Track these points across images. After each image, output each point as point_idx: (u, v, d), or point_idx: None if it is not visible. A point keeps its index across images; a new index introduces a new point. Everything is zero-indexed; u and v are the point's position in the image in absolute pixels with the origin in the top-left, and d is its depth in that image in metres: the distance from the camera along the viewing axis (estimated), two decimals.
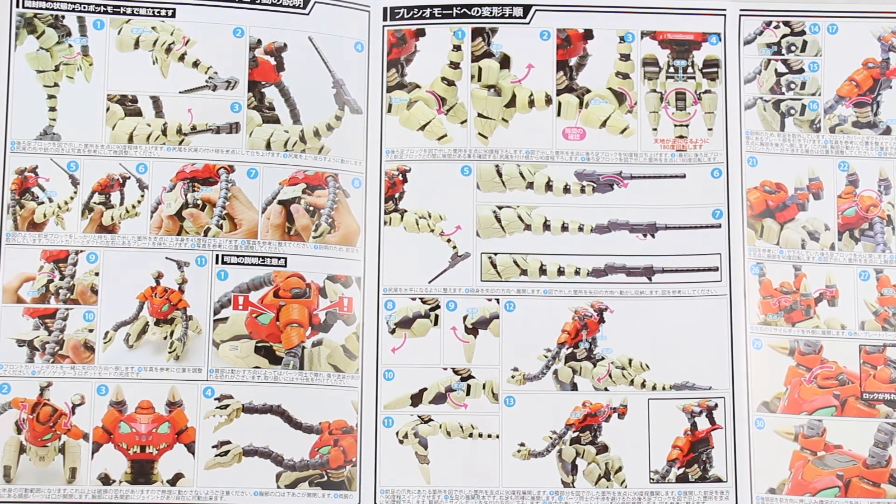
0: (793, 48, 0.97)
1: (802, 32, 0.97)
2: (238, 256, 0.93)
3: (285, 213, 0.94)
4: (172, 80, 0.94)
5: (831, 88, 0.96)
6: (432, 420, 0.92)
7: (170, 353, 0.91)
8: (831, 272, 0.95)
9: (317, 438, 0.91)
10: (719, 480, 0.92)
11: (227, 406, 0.91)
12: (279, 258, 0.93)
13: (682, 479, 0.92)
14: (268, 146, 0.94)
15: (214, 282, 0.92)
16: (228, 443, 0.91)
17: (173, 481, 0.90)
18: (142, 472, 0.90)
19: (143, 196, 0.93)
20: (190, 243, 0.93)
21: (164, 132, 0.94)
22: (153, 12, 0.95)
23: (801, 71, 0.97)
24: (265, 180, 0.94)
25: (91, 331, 0.91)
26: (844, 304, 0.94)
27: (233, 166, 0.94)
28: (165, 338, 0.91)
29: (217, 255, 0.93)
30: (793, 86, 0.96)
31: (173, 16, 0.95)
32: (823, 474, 0.92)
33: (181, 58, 0.94)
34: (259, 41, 0.95)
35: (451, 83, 0.96)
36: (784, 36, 0.97)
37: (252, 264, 0.93)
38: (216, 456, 0.90)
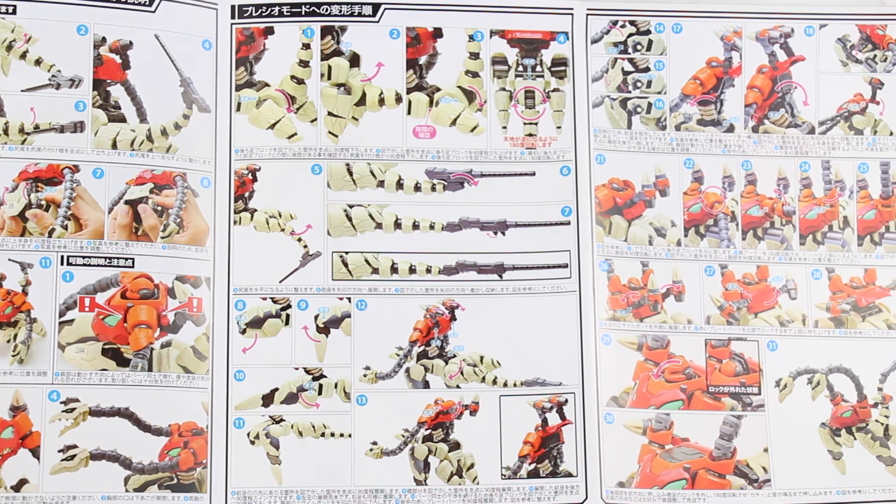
0: (639, 47, 0.98)
1: (648, 31, 0.98)
2: (84, 257, 0.91)
3: (132, 213, 0.92)
4: (14, 79, 0.92)
5: (676, 87, 0.98)
6: (284, 420, 0.92)
7: (13, 356, 0.89)
8: (678, 268, 0.96)
9: (166, 441, 0.90)
10: (570, 475, 0.93)
11: (73, 409, 0.89)
12: (126, 259, 0.92)
13: (533, 474, 0.92)
14: (114, 145, 0.93)
15: (59, 283, 0.91)
16: (75, 447, 0.89)
17: (17, 487, 0.88)
18: None
19: None
20: (34, 244, 0.91)
21: (5, 131, 0.92)
22: None
23: (647, 70, 0.98)
24: (111, 180, 0.92)
25: None
26: (690, 299, 0.96)
27: (78, 166, 0.92)
28: (9, 341, 0.90)
29: (62, 257, 0.91)
30: (639, 84, 0.98)
31: (14, 13, 0.93)
32: (671, 467, 0.93)
33: (23, 55, 0.92)
34: (104, 39, 0.93)
35: (300, 81, 0.96)
36: (630, 35, 0.98)
37: (98, 265, 0.91)
38: (62, 460, 0.89)
